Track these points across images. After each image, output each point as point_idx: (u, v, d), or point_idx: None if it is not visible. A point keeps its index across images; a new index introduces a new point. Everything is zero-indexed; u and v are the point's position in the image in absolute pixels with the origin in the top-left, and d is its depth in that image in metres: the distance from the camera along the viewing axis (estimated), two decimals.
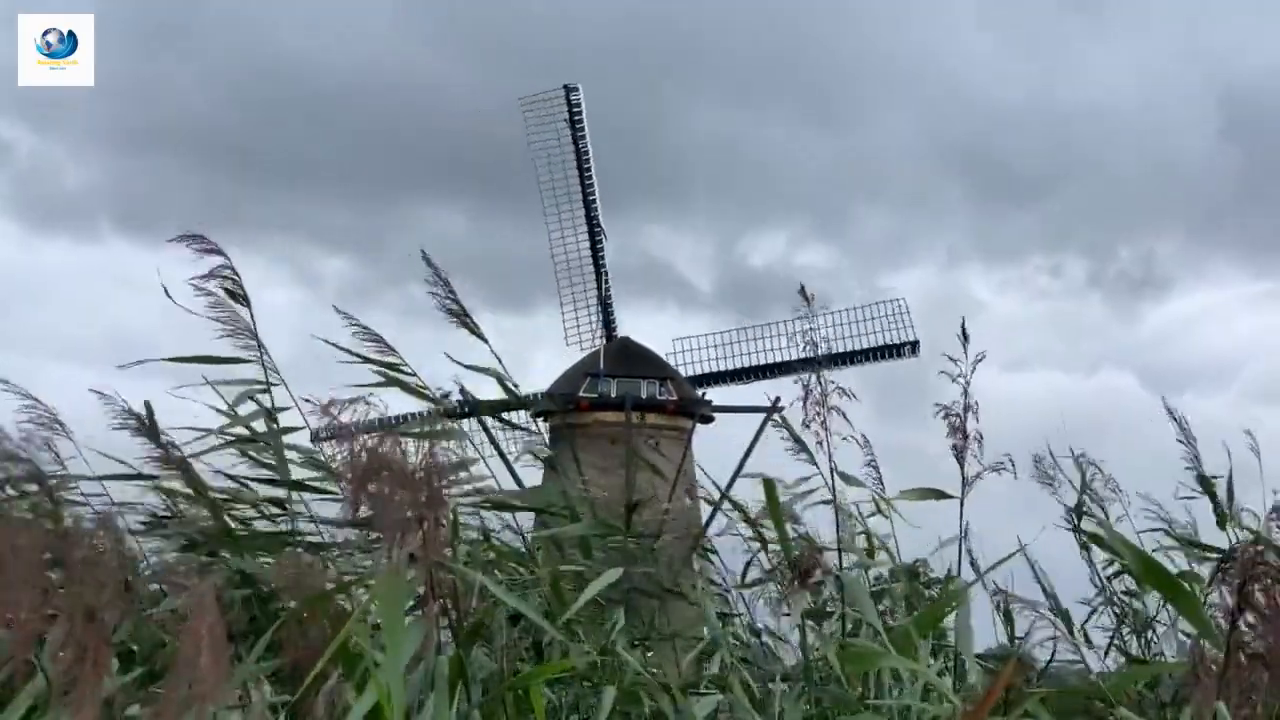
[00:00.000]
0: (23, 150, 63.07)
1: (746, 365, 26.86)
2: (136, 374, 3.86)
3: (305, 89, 54.66)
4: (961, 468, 3.86)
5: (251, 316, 3.69)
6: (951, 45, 60.29)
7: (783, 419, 4.73)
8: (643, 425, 25.29)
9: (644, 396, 25.90)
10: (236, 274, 3.65)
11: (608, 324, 26.78)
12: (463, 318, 4.03)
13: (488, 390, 4.78)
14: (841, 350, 26.29)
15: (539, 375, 27.13)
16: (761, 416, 27.02)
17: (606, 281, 26.63)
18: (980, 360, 3.80)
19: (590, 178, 26.35)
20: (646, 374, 26.36)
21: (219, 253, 3.61)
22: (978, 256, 70.52)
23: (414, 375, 4.07)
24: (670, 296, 25.96)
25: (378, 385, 3.97)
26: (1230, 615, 2.17)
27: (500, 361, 4.27)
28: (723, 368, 26.98)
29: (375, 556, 2.36)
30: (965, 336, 3.83)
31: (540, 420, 26.75)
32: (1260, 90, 66.02)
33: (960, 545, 3.98)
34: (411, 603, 2.39)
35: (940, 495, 4.00)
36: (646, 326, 27.33)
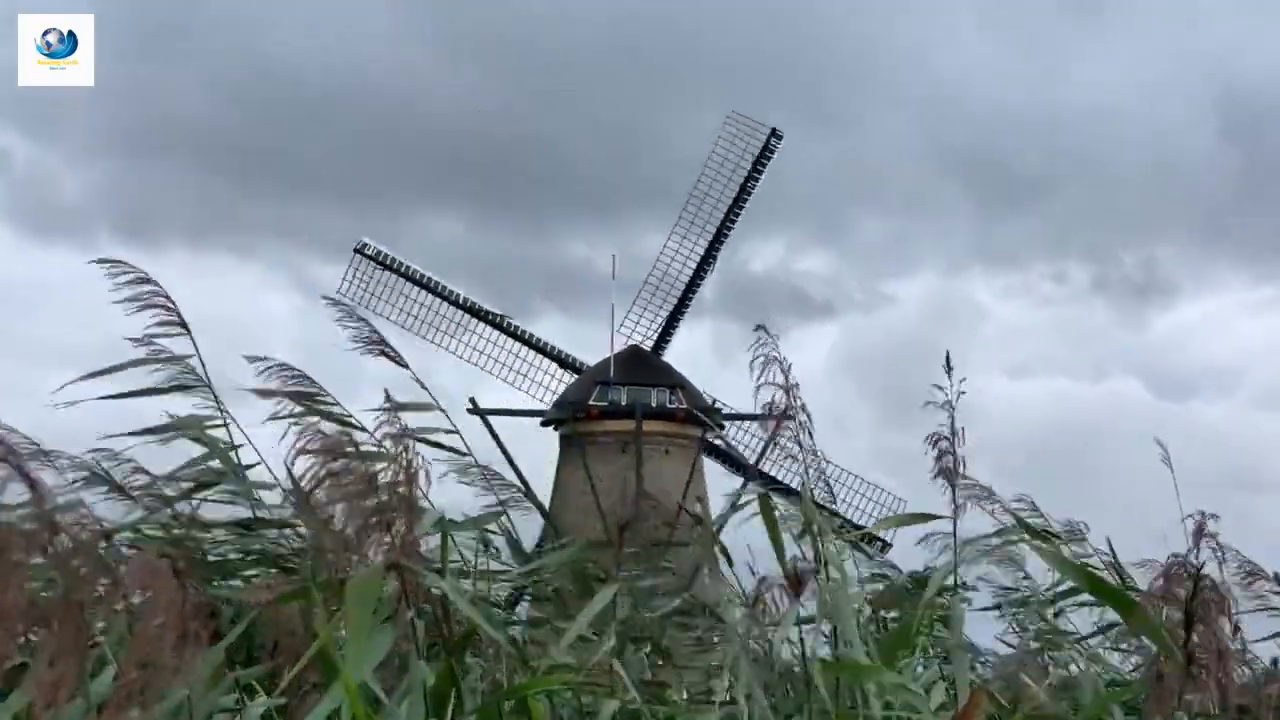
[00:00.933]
0: (19, 157, 63.29)
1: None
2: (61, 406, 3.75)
3: (303, 91, 54.70)
4: (954, 492, 3.92)
5: (195, 345, 3.63)
6: (949, 47, 60.12)
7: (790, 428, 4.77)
8: (653, 434, 25.32)
9: (654, 405, 25.93)
10: (171, 301, 3.60)
11: (663, 338, 26.96)
12: (382, 348, 3.99)
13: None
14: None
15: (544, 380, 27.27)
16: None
17: (688, 305, 26.91)
18: (963, 393, 3.85)
19: (738, 214, 26.66)
20: (656, 382, 26.40)
21: (148, 280, 3.56)
22: (979, 261, 70.42)
23: (337, 404, 3.88)
24: (669, 304, 26.17)
25: (299, 416, 3.82)
26: (1184, 630, 2.22)
27: (426, 388, 4.13)
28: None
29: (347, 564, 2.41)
30: (949, 366, 3.88)
31: (552, 428, 26.91)
32: (1259, 91, 65.76)
33: (955, 570, 4.00)
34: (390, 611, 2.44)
35: (928, 518, 4.03)
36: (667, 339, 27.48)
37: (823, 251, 61.38)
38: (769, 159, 26.78)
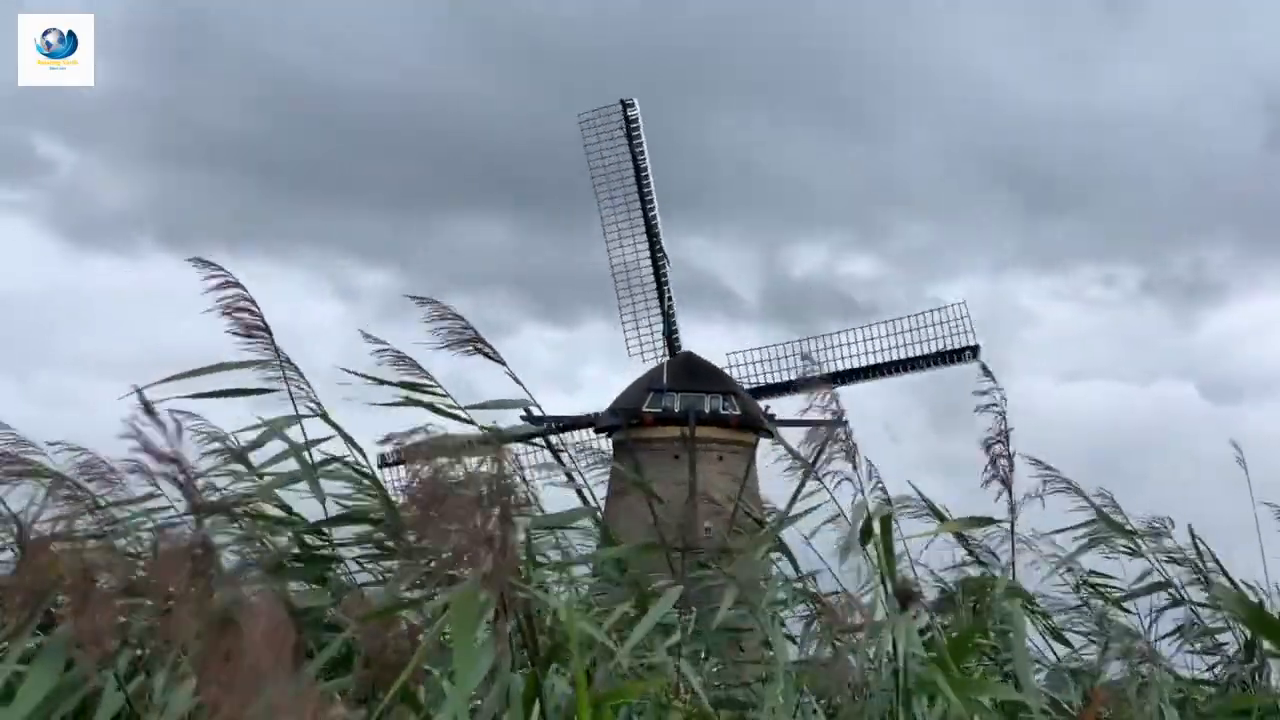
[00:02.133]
0: (62, 166, 64.04)
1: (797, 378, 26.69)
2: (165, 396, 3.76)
3: (341, 100, 55.10)
4: (1010, 493, 3.84)
5: (275, 346, 3.60)
6: (989, 50, 59.64)
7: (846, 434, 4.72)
8: (707, 440, 25.25)
9: (707, 411, 25.85)
10: (255, 305, 3.58)
11: (670, 337, 26.77)
12: (477, 344, 3.90)
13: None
14: (900, 358, 26.18)
15: (592, 389, 27.24)
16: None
17: (669, 295, 26.65)
18: (1004, 396, 3.78)
19: (649, 191, 26.42)
20: (710, 388, 26.31)
21: (236, 284, 3.53)
22: (1025, 266, 69.64)
23: (446, 395, 3.89)
24: (717, 308, 26.02)
25: (401, 405, 3.82)
26: None
27: (522, 384, 4.09)
28: (778, 379, 26.88)
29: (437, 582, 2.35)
30: (987, 373, 3.82)
31: (604, 435, 26.89)
32: None
33: (1013, 571, 3.93)
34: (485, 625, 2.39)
35: (986, 522, 3.96)
36: (697, 339, 27.23)
37: (865, 256, 61.05)
38: (637, 126, 26.31)
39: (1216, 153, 62.62)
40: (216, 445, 3.77)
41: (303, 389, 3.55)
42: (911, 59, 55.79)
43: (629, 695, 3.11)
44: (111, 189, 63.49)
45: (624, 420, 25.68)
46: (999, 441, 3.74)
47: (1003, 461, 3.76)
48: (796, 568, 4.50)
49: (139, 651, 2.97)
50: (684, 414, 25.38)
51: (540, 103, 52.42)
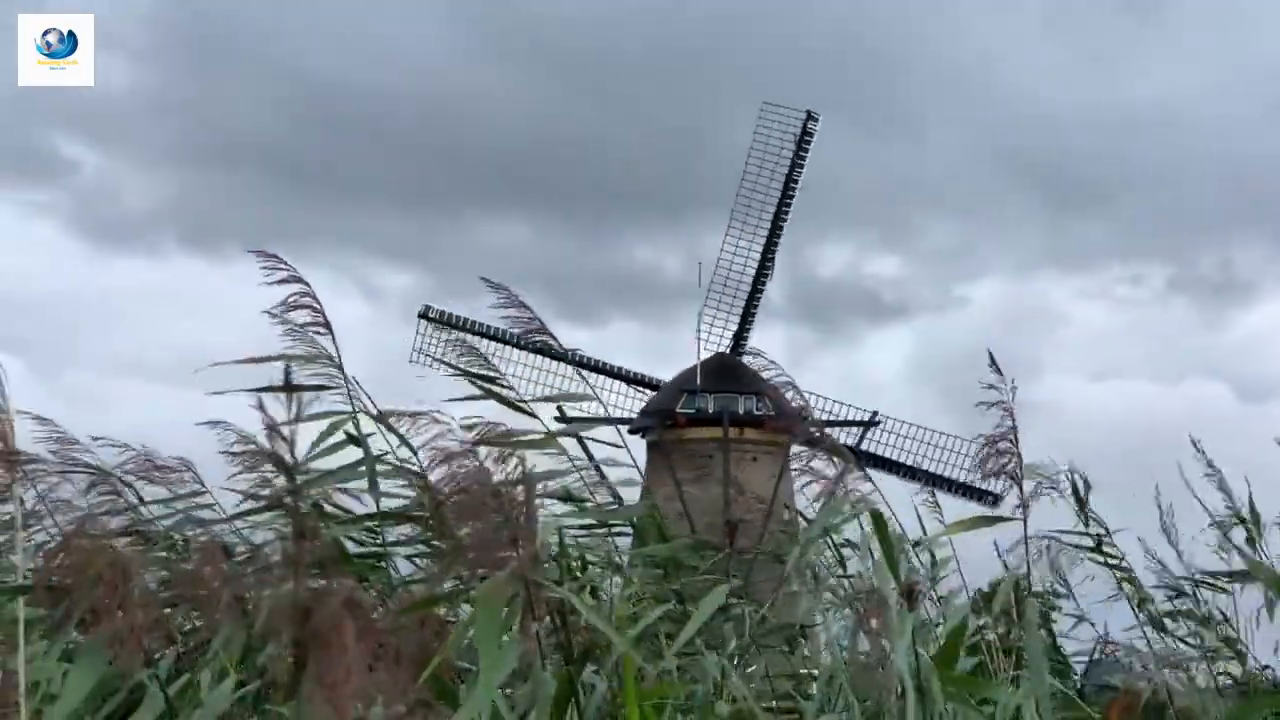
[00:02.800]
0: (87, 168, 64.47)
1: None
2: (210, 395, 3.85)
3: (362, 102, 55.33)
4: (1021, 490, 3.84)
5: (335, 343, 3.68)
6: (1013, 50, 59.18)
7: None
8: (740, 440, 25.23)
9: (740, 412, 25.83)
10: (316, 299, 3.65)
11: (739, 340, 26.81)
12: (544, 337, 4.05)
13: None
14: (934, 471, 25.96)
15: (621, 389, 27.21)
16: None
17: (757, 302, 26.70)
18: (1015, 389, 3.78)
19: (789, 204, 26.39)
20: (744, 389, 26.29)
21: (297, 278, 3.60)
22: (1052, 265, 69.23)
23: (511, 389, 4.10)
24: (738, 305, 25.99)
25: (476, 399, 4.00)
26: None
27: (586, 379, 4.29)
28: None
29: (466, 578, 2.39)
30: (995, 366, 3.82)
31: (639, 436, 26.94)
32: None
33: (1028, 569, 3.93)
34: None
35: (996, 520, 3.97)
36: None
37: (891, 255, 60.74)
38: (809, 142, 26.38)
39: (1244, 151, 62.01)
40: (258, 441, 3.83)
41: (356, 387, 3.65)
42: (937, 58, 55.53)
43: (666, 694, 3.14)
44: (134, 190, 64.02)
45: (658, 421, 25.72)
46: (1006, 438, 3.72)
47: (1011, 458, 3.74)
48: (843, 564, 4.54)
49: (180, 650, 3.03)
50: (718, 415, 25.38)
51: (563, 103, 52.56)
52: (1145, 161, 62.65)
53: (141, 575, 2.35)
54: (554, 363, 26.23)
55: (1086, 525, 4.39)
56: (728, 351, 26.63)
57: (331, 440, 3.53)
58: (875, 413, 27.20)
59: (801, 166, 26.33)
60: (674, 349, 27.78)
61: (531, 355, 26.25)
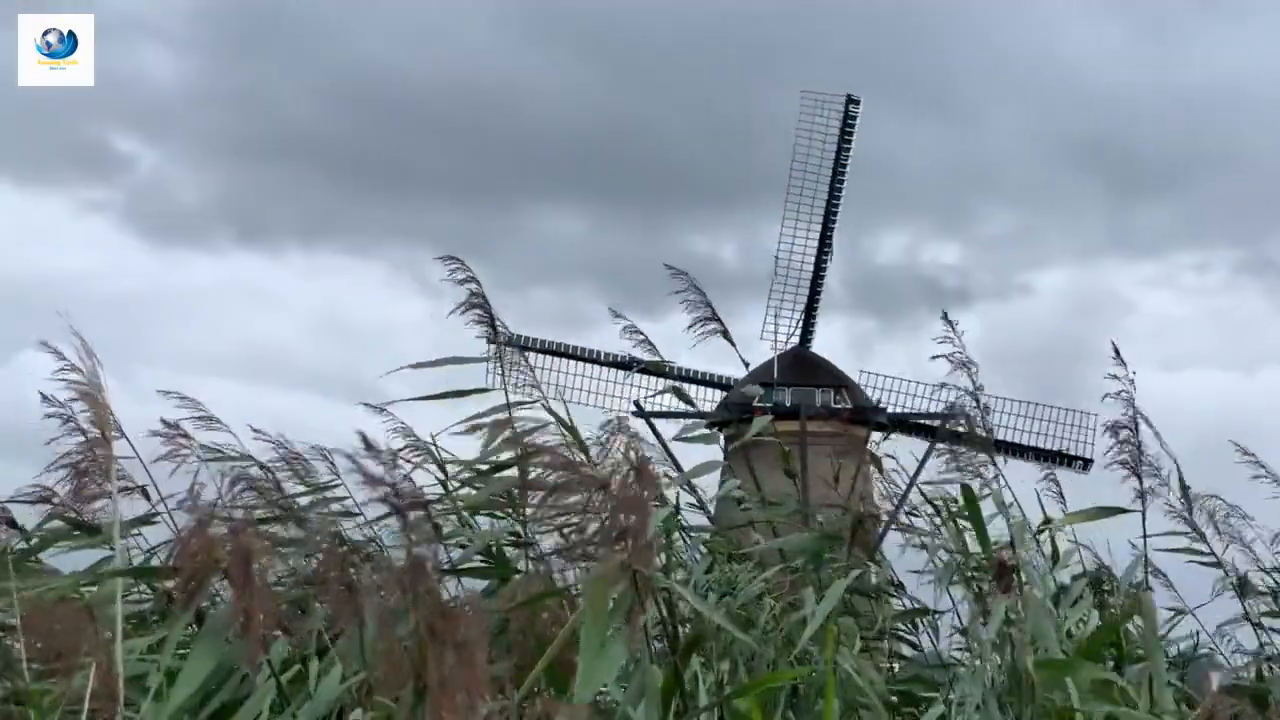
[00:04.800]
0: (142, 164, 65.26)
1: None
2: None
3: (418, 95, 55.41)
4: (1140, 481, 3.82)
5: (502, 343, 3.82)
6: (1071, 31, 57.83)
7: (961, 428, 4.77)
8: (818, 434, 25.12)
9: (819, 405, 25.71)
10: (487, 301, 3.80)
11: (806, 332, 26.66)
12: (717, 325, 4.21)
13: None
14: (1019, 442, 25.69)
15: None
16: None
17: (820, 291, 26.59)
18: (1134, 377, 3.74)
19: (840, 190, 26.26)
20: (821, 382, 26.17)
21: (475, 280, 3.77)
22: (1117, 252, 67.60)
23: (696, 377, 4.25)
24: (801, 296, 25.85)
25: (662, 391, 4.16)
26: None
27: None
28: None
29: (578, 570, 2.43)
30: (1119, 356, 3.78)
31: (716, 430, 26.91)
32: None
33: (1145, 560, 3.89)
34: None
35: (1116, 511, 3.93)
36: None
37: (950, 243, 59.57)
38: (853, 126, 26.15)
39: None
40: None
41: (531, 382, 3.76)
42: (995, 40, 54.51)
43: (773, 682, 3.14)
44: (188, 185, 64.79)
45: (736, 415, 25.67)
46: (1127, 428, 3.71)
47: (1130, 448, 3.72)
48: (967, 553, 4.51)
49: (292, 641, 3.09)
50: (795, 408, 25.29)
51: (617, 94, 52.45)
52: (1210, 144, 61.18)
53: (264, 564, 2.41)
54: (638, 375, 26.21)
55: (1191, 514, 4.33)
56: (797, 343, 26.49)
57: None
58: (953, 404, 26.84)
59: (848, 151, 26.11)
60: (737, 340, 27.50)
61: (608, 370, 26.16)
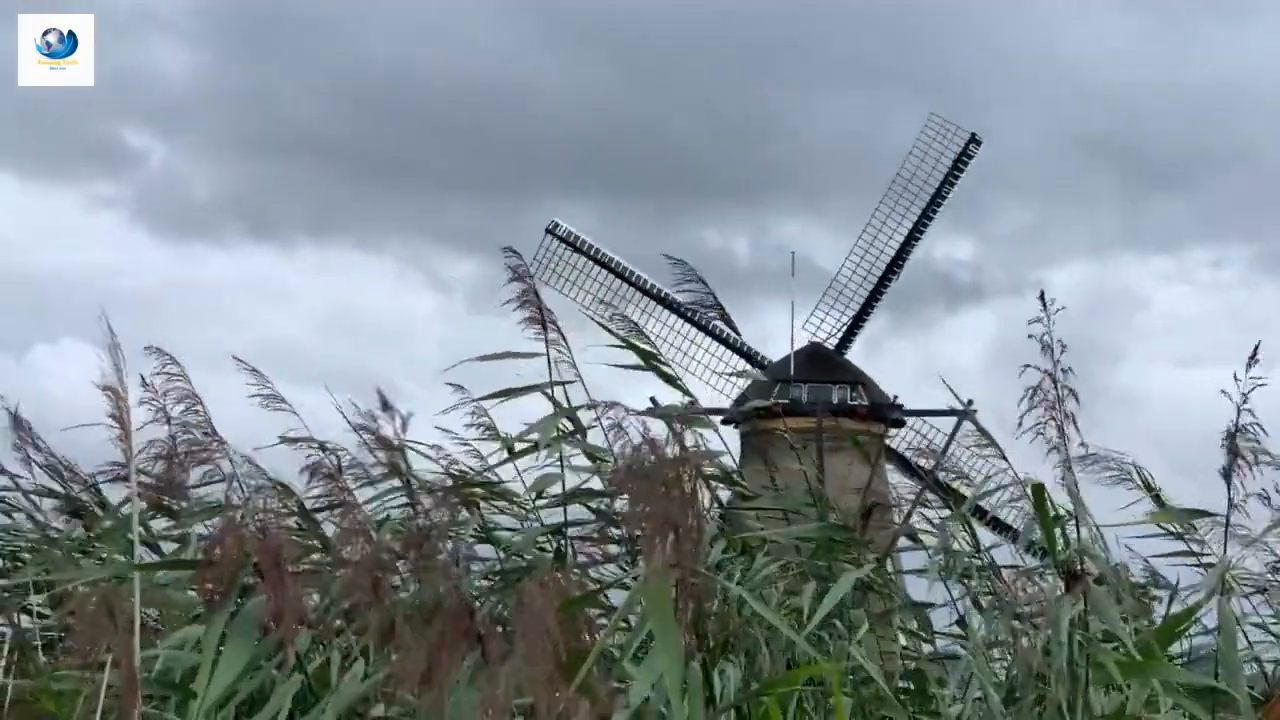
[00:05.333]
0: (153, 160, 65.21)
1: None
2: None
3: (427, 90, 55.13)
4: (1229, 488, 3.84)
5: (563, 336, 3.80)
6: (1081, 25, 57.22)
7: (975, 421, 4.72)
8: (835, 431, 25.07)
9: (835, 401, 25.67)
10: (539, 298, 3.77)
11: (848, 337, 26.85)
12: (720, 310, 4.22)
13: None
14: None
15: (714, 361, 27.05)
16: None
17: (875, 305, 26.82)
18: (1262, 385, 3.68)
19: (929, 221, 26.56)
20: (837, 379, 26.12)
21: (529, 277, 3.74)
22: (1130, 247, 67.07)
23: (669, 365, 4.21)
24: (815, 290, 25.79)
25: (635, 368, 4.10)
26: None
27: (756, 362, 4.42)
28: None
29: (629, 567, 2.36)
30: (1255, 359, 3.74)
31: (732, 426, 26.88)
32: None
33: (1228, 568, 3.82)
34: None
35: (1202, 514, 3.89)
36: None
37: (964, 238, 58.95)
38: (966, 163, 26.53)
39: None
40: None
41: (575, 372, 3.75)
42: (999, 34, 54.00)
43: (795, 680, 3.07)
44: (200, 180, 64.76)
45: (752, 412, 25.63)
46: (1252, 439, 3.72)
47: (1233, 455, 3.74)
48: (978, 544, 4.45)
49: (315, 633, 3.03)
50: (812, 405, 25.23)
51: (622, 91, 52.37)
52: (1225, 138, 60.70)
53: (293, 557, 2.34)
54: (670, 316, 26.15)
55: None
56: (834, 346, 26.55)
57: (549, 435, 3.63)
58: (970, 401, 26.81)
59: (953, 185, 26.47)
60: (746, 335, 27.46)
61: (648, 301, 26.18)
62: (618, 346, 4.02)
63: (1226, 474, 3.75)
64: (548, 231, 27.02)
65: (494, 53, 53.90)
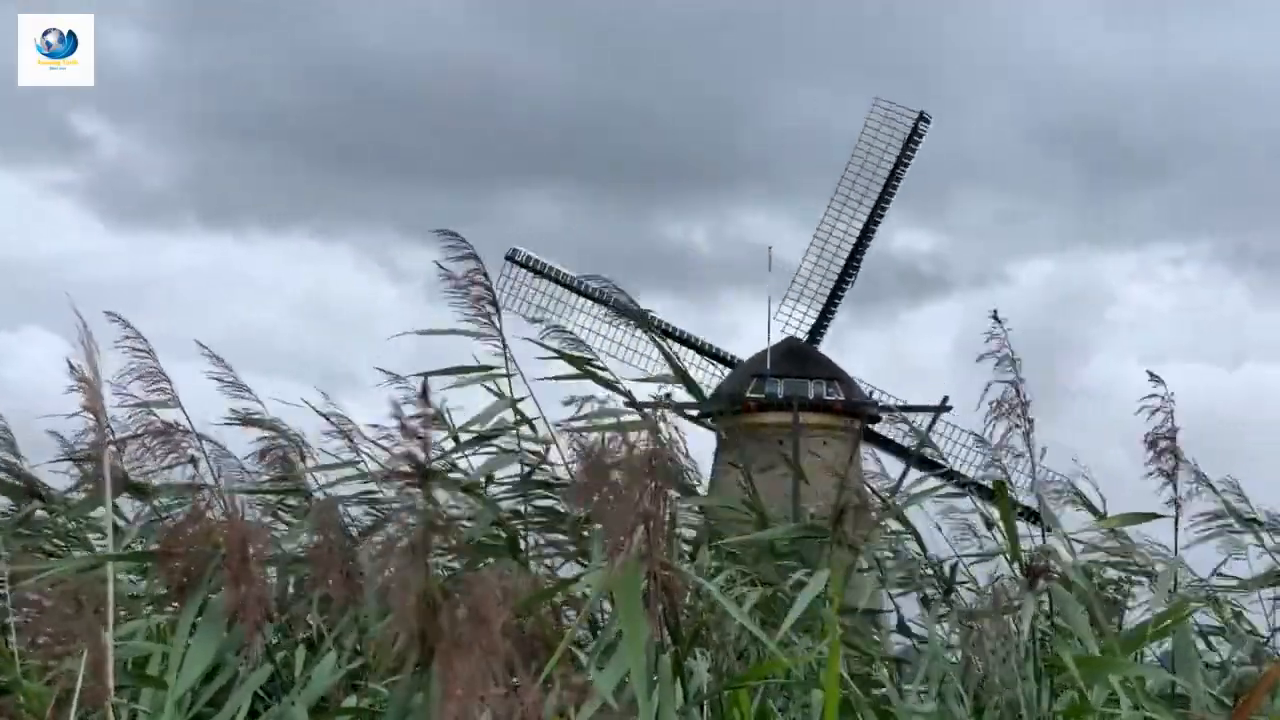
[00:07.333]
0: (106, 144, 64.46)
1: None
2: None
3: (390, 76, 54.80)
4: (1175, 489, 4.00)
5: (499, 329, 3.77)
6: (1050, 17, 57.25)
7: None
8: (811, 426, 25.10)
9: (810, 397, 25.69)
10: (488, 279, 3.74)
11: (817, 330, 26.79)
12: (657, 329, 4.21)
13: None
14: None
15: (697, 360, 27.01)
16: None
17: (841, 295, 26.76)
18: (1171, 396, 3.82)
19: (889, 201, 26.52)
20: (814, 374, 26.14)
21: (475, 256, 3.71)
22: (1097, 242, 67.32)
23: (606, 370, 4.19)
24: (821, 295, 25.73)
25: (571, 378, 4.07)
26: None
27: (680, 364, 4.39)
28: None
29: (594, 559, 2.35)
30: (1155, 378, 3.87)
31: (707, 421, 26.88)
32: None
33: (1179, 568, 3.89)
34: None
35: (1149, 518, 3.95)
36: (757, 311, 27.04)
37: (928, 231, 58.77)
38: (917, 143, 26.43)
39: None
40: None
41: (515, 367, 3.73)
42: (969, 23, 54.03)
43: (762, 674, 3.07)
44: (153, 167, 64.13)
45: (727, 406, 25.63)
46: (1167, 438, 3.83)
47: (1168, 457, 3.85)
48: (923, 547, 4.46)
49: (280, 625, 3.01)
50: (788, 400, 25.25)
51: (595, 79, 52.23)
52: (1194, 134, 60.98)
53: (262, 548, 2.33)
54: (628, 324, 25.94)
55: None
56: (804, 338, 26.53)
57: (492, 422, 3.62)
58: (946, 398, 26.90)
59: (906, 166, 26.40)
60: (713, 328, 27.52)
61: (610, 316, 26.01)
62: (546, 357, 4.01)
63: (1169, 474, 3.88)
64: (508, 259, 26.95)
65: (458, 41, 53.72)
